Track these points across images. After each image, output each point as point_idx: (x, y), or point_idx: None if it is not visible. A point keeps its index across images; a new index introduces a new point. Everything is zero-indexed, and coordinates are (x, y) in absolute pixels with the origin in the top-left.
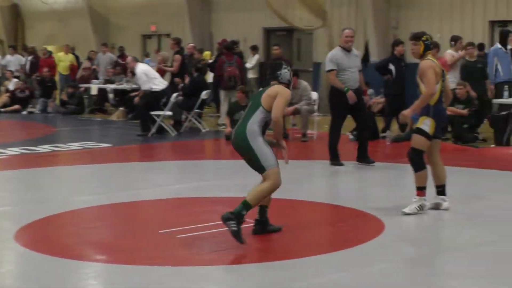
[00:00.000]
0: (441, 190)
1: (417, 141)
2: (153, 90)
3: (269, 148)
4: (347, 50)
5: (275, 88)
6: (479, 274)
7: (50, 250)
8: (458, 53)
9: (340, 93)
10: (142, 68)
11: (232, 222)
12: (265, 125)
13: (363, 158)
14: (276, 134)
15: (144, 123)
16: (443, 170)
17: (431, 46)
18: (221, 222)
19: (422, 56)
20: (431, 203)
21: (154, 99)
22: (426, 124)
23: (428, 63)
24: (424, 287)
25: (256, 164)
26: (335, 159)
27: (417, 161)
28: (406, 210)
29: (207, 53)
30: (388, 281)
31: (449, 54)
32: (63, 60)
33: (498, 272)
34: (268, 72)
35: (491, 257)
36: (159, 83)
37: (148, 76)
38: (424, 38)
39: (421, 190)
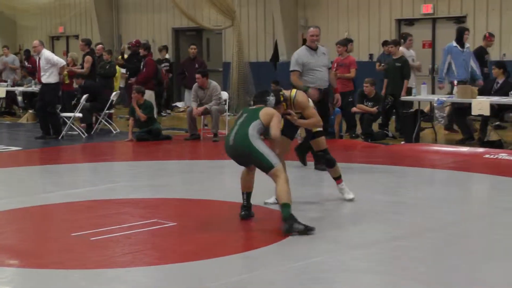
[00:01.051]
0: None
1: (324, 142)
2: (56, 82)
3: (270, 148)
4: (313, 49)
5: (271, 110)
6: (387, 269)
7: None
8: (409, 51)
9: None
10: (49, 53)
11: (295, 227)
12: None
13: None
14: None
15: (47, 124)
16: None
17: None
18: (134, 223)
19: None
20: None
21: (56, 93)
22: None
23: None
24: (335, 284)
25: (262, 163)
26: (302, 160)
27: (331, 157)
28: (351, 196)
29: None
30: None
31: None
32: None
33: (407, 266)
34: (256, 96)
35: (401, 252)
36: (56, 75)
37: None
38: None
39: (341, 178)
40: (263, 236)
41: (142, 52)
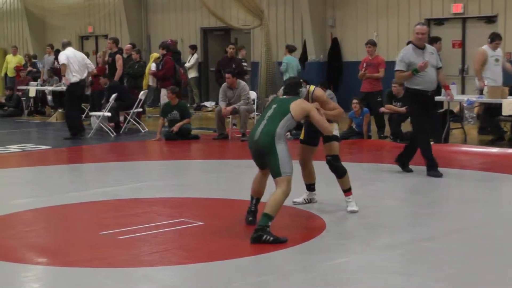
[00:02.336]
0: (313, 187)
1: (337, 147)
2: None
3: (290, 156)
4: (420, 47)
5: (307, 104)
6: (415, 270)
7: None
8: (495, 52)
9: (416, 95)
10: (66, 53)
11: (264, 237)
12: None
13: (403, 161)
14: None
15: (76, 124)
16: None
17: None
18: (161, 222)
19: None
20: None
21: (75, 93)
22: (336, 129)
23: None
24: (365, 285)
25: (274, 167)
26: (433, 168)
27: (341, 165)
28: (354, 208)
29: (155, 55)
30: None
31: (483, 50)
32: (11, 62)
33: (436, 268)
34: (288, 87)
35: (428, 253)
36: (76, 74)
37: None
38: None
39: (350, 191)
40: (290, 236)
41: (161, 51)
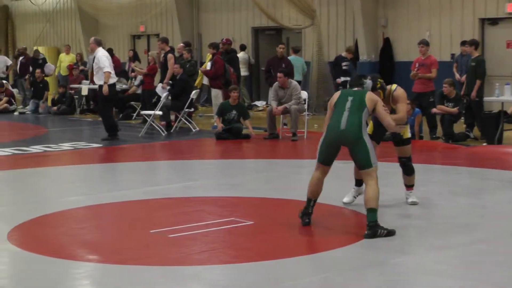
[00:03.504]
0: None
1: (410, 149)
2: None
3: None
4: None
5: (374, 96)
6: (467, 273)
7: (43, 250)
8: None
9: None
10: (104, 52)
11: (379, 231)
12: None
13: None
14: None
15: (113, 124)
16: None
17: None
18: (211, 221)
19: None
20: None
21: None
22: (409, 131)
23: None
24: (412, 287)
25: (365, 158)
26: None
27: (411, 166)
28: (415, 199)
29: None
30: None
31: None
32: (63, 61)
33: (489, 271)
34: (353, 80)
35: (482, 256)
36: (113, 76)
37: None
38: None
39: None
40: (340, 236)
41: (210, 51)
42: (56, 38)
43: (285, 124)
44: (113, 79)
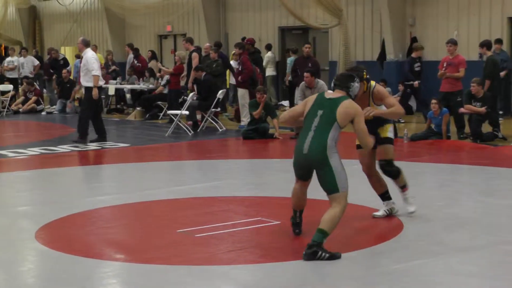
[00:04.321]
0: (388, 195)
1: (391, 151)
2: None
3: (344, 169)
4: None
5: (352, 106)
6: (496, 274)
7: (70, 249)
8: None
9: None
10: (93, 54)
11: (319, 253)
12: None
13: None
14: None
15: (85, 130)
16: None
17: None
18: (238, 221)
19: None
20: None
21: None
22: (391, 131)
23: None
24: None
25: (330, 182)
26: None
27: (395, 168)
28: (412, 209)
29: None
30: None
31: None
32: None
33: None
34: (339, 80)
35: (509, 257)
36: (101, 78)
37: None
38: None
39: (406, 186)
40: (367, 237)
41: (237, 51)
42: None
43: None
44: (101, 82)
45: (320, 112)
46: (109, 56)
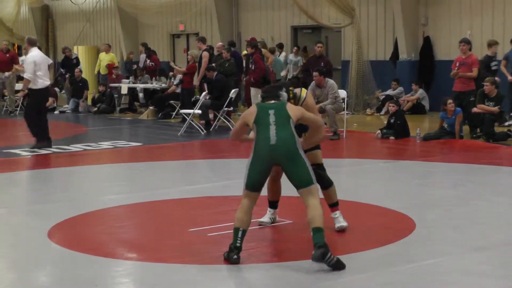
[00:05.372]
0: (277, 205)
1: (320, 155)
2: (39, 88)
3: None
4: None
5: (295, 107)
6: (509, 273)
7: (82, 247)
8: None
9: None
10: (33, 55)
11: (329, 255)
12: None
13: None
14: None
15: (35, 128)
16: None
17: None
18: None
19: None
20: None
21: (42, 98)
22: None
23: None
24: (453, 287)
25: (304, 175)
26: None
27: (327, 177)
28: (343, 224)
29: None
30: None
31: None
32: (103, 60)
33: None
34: (266, 91)
35: None
36: (46, 79)
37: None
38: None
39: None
40: (379, 236)
41: (249, 50)
42: (96, 38)
43: (324, 124)
44: (46, 82)
45: (271, 111)
46: (130, 55)
